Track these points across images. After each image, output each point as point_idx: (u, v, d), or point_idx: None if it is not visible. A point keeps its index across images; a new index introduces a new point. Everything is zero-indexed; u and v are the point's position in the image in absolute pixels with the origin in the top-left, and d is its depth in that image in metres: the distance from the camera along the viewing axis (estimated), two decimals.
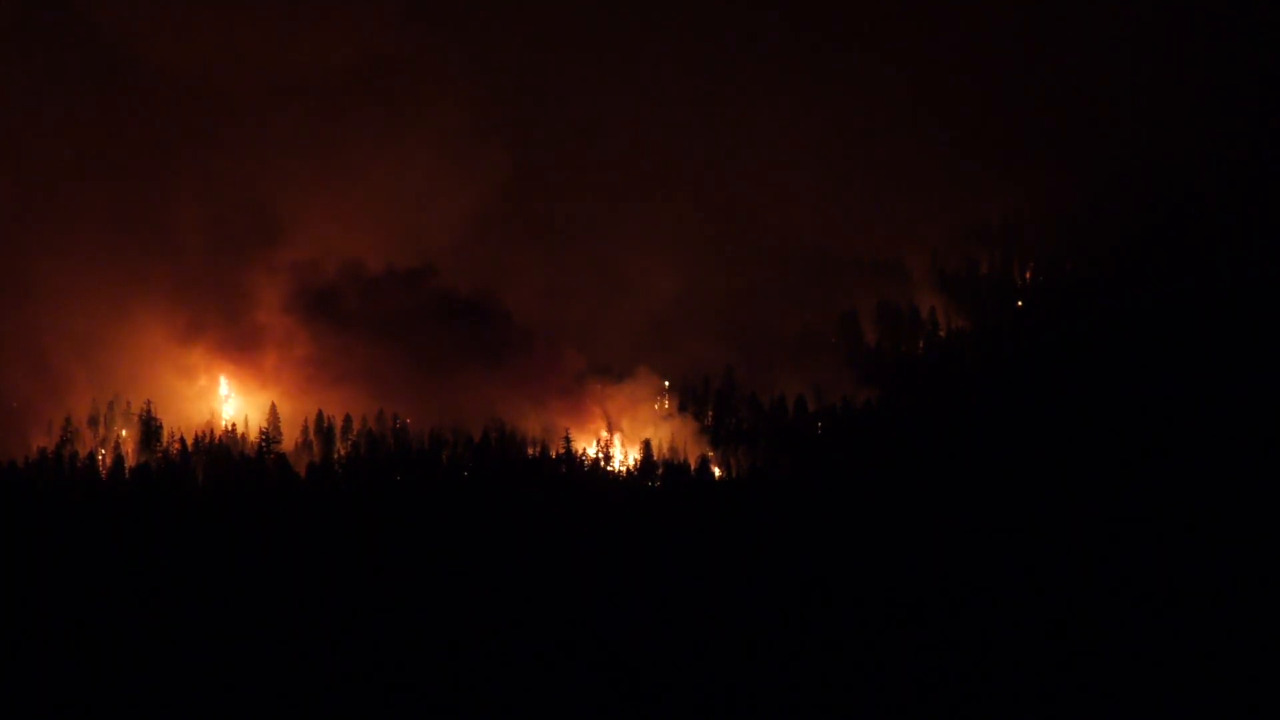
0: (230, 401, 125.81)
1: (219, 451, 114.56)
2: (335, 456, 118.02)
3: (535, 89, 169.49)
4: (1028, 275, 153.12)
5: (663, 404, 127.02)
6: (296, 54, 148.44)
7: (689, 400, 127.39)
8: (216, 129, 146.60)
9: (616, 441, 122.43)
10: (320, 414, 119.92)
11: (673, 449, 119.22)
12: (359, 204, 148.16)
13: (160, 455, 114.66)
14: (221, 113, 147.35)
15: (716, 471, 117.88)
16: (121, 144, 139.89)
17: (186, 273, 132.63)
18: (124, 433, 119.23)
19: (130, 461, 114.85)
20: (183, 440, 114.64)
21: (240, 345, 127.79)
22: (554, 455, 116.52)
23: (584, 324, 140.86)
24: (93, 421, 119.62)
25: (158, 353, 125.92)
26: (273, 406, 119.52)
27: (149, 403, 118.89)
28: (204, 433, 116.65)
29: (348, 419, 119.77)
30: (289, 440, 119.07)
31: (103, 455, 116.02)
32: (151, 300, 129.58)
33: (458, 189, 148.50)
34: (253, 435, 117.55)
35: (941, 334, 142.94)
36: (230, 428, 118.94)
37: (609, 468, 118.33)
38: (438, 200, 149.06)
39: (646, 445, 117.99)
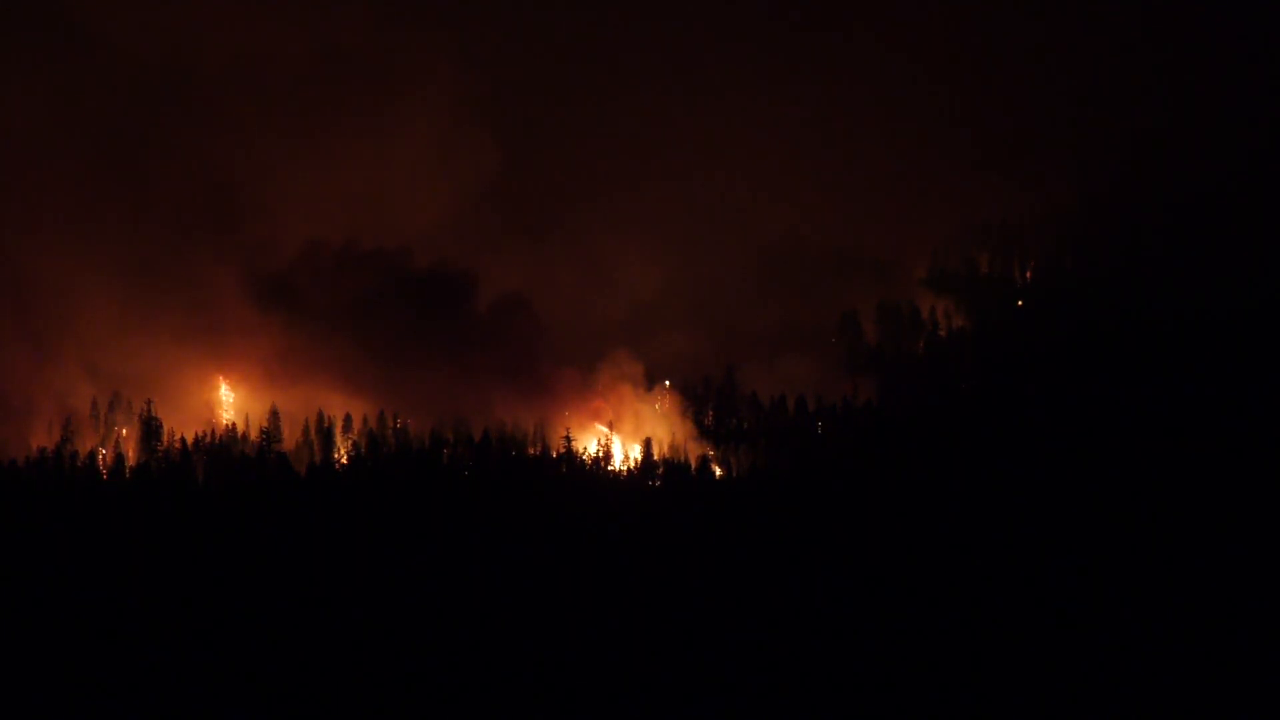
0: (230, 400, 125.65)
1: (219, 451, 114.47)
2: (335, 456, 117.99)
3: (525, 82, 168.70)
4: (1028, 275, 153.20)
5: (663, 403, 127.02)
6: (281, 39, 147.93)
7: (689, 400, 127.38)
8: (199, 115, 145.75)
9: (616, 441, 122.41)
10: (320, 414, 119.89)
11: (673, 448, 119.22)
12: (342, 192, 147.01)
13: (161, 454, 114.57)
14: (206, 99, 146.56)
15: (717, 471, 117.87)
16: (108, 135, 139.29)
17: (183, 268, 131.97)
18: (124, 432, 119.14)
19: (131, 460, 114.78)
20: (183, 440, 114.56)
21: (233, 338, 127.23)
22: (554, 455, 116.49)
23: (578, 321, 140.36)
24: (94, 418, 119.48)
25: (158, 351, 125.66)
26: (273, 406, 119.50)
27: (149, 402, 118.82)
28: (204, 432, 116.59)
29: (348, 419, 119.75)
30: (289, 440, 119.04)
31: (103, 454, 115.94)
32: (152, 298, 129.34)
33: (445, 179, 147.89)
34: (253, 435, 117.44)
35: (941, 334, 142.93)
36: (230, 427, 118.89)
37: (609, 467, 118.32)
38: (422, 190, 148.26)
39: (647, 445, 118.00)
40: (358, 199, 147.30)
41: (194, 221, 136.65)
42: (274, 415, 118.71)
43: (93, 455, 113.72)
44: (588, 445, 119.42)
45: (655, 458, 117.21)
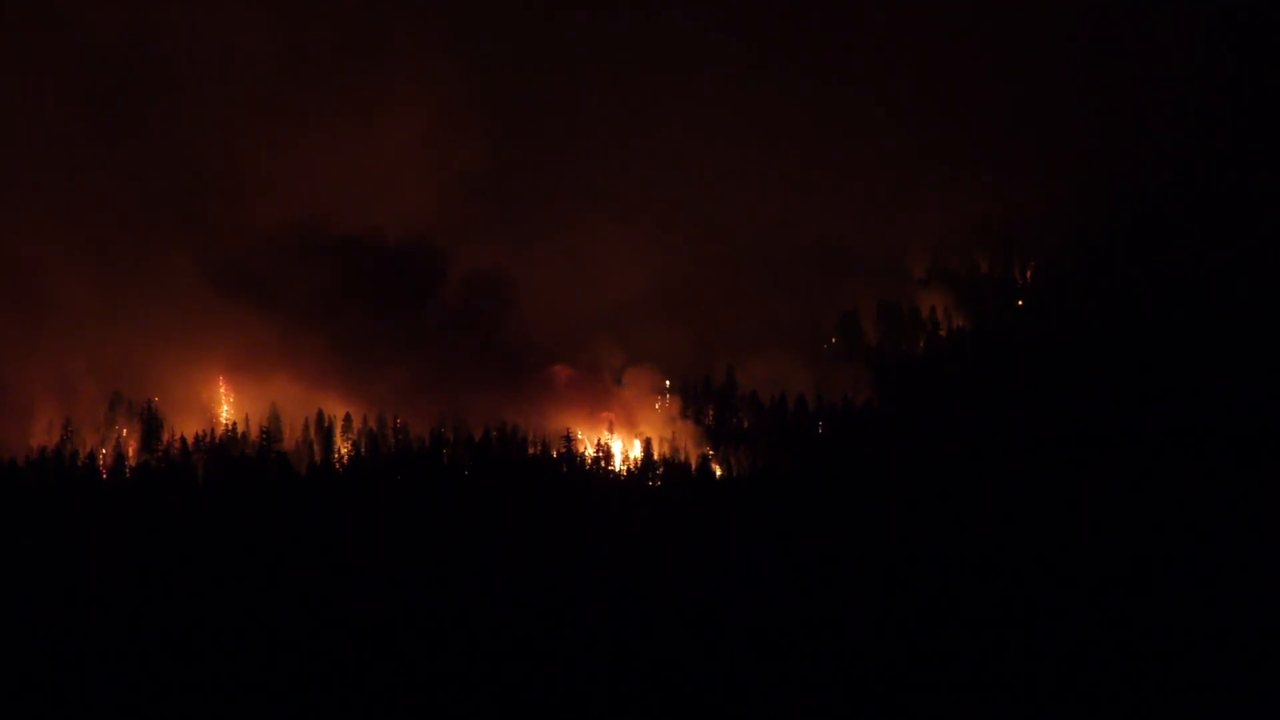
0: (230, 400, 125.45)
1: (219, 451, 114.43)
2: (335, 456, 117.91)
3: (514, 73, 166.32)
4: (1028, 275, 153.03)
5: (664, 403, 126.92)
6: (259, 18, 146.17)
7: (689, 400, 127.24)
8: (171, 98, 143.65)
9: (617, 440, 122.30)
10: (320, 413, 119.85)
11: (673, 448, 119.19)
12: (319, 179, 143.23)
13: (161, 454, 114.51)
14: (180, 81, 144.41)
15: (717, 471, 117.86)
16: (73, 117, 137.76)
17: (159, 259, 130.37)
18: (124, 432, 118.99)
19: (131, 460, 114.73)
20: (183, 439, 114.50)
21: (215, 330, 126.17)
22: (555, 455, 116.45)
23: (576, 319, 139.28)
24: (93, 416, 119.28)
25: (159, 349, 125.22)
26: (273, 406, 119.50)
27: (150, 401, 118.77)
28: (205, 432, 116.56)
29: (348, 419, 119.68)
30: (289, 440, 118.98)
31: (103, 454, 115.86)
32: (150, 296, 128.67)
33: (427, 168, 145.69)
34: (253, 435, 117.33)
35: (942, 334, 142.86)
36: (230, 427, 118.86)
37: (609, 467, 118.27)
38: (402, 180, 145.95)
39: (647, 444, 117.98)
40: (335, 186, 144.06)
41: (166, 207, 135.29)
42: (274, 415, 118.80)
43: (93, 455, 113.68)
44: (587, 445, 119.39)
45: (655, 458, 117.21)
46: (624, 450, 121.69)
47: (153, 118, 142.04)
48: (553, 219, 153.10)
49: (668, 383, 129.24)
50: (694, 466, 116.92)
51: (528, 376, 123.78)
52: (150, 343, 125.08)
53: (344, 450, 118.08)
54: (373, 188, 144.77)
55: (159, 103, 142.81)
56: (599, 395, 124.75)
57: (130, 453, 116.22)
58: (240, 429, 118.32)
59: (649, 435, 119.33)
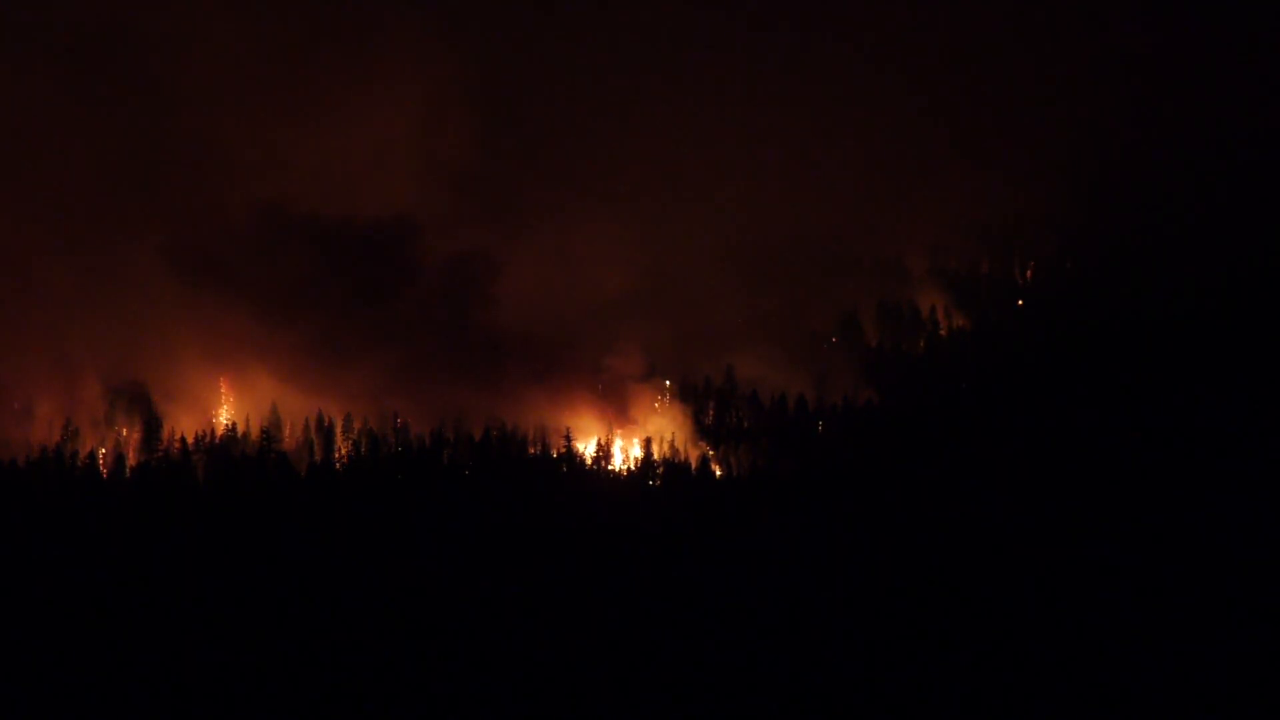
0: (230, 399, 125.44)
1: (219, 451, 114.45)
2: (335, 456, 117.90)
3: (505, 70, 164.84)
4: (1028, 275, 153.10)
5: (663, 402, 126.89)
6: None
7: (689, 398, 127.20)
8: (148, 83, 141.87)
9: (616, 440, 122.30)
10: (320, 413, 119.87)
11: (673, 448, 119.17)
12: (299, 168, 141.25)
13: (161, 454, 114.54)
14: (158, 66, 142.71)
15: (717, 470, 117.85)
16: (50, 104, 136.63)
17: (164, 259, 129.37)
18: (125, 432, 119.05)
19: (131, 460, 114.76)
20: (183, 439, 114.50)
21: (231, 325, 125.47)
22: (555, 454, 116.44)
23: (564, 312, 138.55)
24: (93, 417, 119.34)
25: (160, 349, 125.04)
26: (273, 406, 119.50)
27: (150, 401, 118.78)
28: (204, 432, 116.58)
29: (348, 418, 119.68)
30: (289, 440, 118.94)
31: (103, 454, 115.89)
32: (132, 290, 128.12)
33: (413, 161, 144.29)
34: (253, 434, 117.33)
35: (942, 334, 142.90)
36: (230, 427, 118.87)
37: (609, 466, 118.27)
38: (386, 171, 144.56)
39: (647, 444, 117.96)
40: (316, 173, 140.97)
41: (143, 196, 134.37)
42: (274, 415, 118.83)
43: (93, 455, 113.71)
44: (587, 445, 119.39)
45: (655, 457, 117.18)
46: (624, 450, 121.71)
47: (128, 102, 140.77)
48: (541, 210, 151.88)
49: (667, 383, 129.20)
50: (694, 466, 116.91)
51: (514, 367, 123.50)
52: (144, 339, 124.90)
53: (344, 450, 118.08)
54: (355, 175, 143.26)
55: (136, 88, 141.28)
56: (589, 388, 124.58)
57: (130, 453, 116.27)
58: (240, 429, 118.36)
59: (648, 435, 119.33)
